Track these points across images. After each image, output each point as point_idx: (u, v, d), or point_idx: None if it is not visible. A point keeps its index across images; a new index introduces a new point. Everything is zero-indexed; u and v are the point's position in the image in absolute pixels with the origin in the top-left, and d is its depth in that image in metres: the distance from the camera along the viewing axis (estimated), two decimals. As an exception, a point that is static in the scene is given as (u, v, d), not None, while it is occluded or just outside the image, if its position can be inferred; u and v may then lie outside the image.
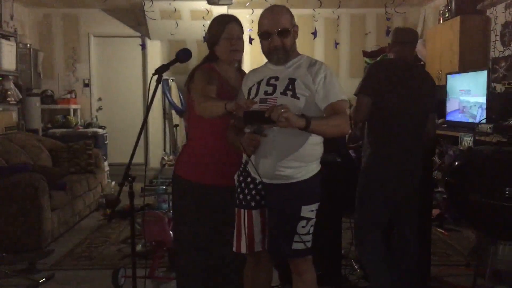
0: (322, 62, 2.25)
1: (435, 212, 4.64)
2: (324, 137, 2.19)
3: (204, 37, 6.00)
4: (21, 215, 3.96)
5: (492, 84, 5.10)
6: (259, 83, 2.22)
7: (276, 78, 2.18)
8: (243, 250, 2.26)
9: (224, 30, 2.38)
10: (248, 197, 2.25)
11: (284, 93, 2.13)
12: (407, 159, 2.80)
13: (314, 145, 2.19)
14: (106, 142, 7.23)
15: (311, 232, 2.20)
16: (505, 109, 4.45)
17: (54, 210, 4.30)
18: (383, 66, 2.95)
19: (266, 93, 2.17)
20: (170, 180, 5.93)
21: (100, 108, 7.90)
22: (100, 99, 7.93)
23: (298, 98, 2.11)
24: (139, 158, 7.73)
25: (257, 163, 2.14)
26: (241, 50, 2.43)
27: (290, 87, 2.13)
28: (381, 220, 2.88)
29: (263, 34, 2.18)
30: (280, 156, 2.11)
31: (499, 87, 5.02)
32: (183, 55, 2.33)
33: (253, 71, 2.36)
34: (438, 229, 4.61)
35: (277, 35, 2.14)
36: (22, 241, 3.97)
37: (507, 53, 5.09)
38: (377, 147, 2.83)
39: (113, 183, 6.34)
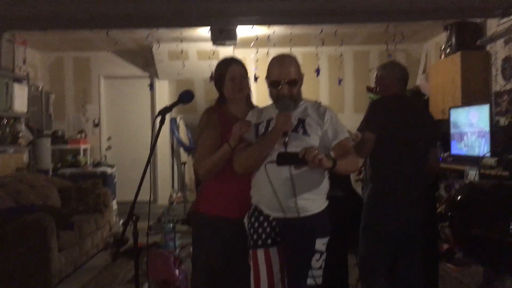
0: (324, 104, 2.41)
1: (445, 246, 4.60)
2: (339, 174, 2.25)
3: (210, 77, 6.14)
4: (29, 255, 3.98)
5: (495, 117, 5.14)
6: (268, 121, 2.31)
7: None
8: None
9: (227, 71, 2.50)
10: (263, 236, 2.28)
11: (295, 130, 2.23)
12: (409, 194, 2.83)
13: (326, 179, 2.30)
14: (114, 181, 7.30)
15: (323, 267, 2.24)
16: (509, 142, 4.47)
17: (62, 250, 4.32)
18: (387, 103, 3.00)
19: None
20: (178, 217, 5.95)
21: (109, 147, 8.03)
22: (109, 138, 8.08)
23: (309, 136, 2.23)
24: (146, 196, 7.76)
25: (272, 199, 2.18)
26: (245, 88, 2.53)
27: (300, 125, 2.25)
28: (386, 256, 2.88)
29: (273, 83, 2.30)
30: (298, 190, 2.17)
31: (503, 120, 5.05)
32: (186, 96, 2.41)
33: (260, 109, 2.46)
34: (448, 263, 4.55)
35: (286, 84, 2.26)
36: (29, 281, 3.98)
37: (508, 87, 5.15)
38: (379, 182, 2.87)
39: (121, 221, 6.37)
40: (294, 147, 2.11)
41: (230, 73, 2.49)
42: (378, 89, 3.18)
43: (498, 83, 5.35)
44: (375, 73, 3.21)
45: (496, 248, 2.58)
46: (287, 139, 2.11)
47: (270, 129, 2.26)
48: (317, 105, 2.38)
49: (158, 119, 2.38)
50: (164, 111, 2.41)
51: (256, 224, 2.31)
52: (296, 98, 2.31)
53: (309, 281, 2.19)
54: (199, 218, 2.56)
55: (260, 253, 2.28)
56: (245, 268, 2.37)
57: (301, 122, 2.27)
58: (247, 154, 2.27)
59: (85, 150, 7.78)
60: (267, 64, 2.37)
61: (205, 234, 2.51)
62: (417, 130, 2.87)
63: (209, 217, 2.48)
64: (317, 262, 2.22)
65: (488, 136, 4.67)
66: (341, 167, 2.13)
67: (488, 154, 4.50)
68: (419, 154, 2.88)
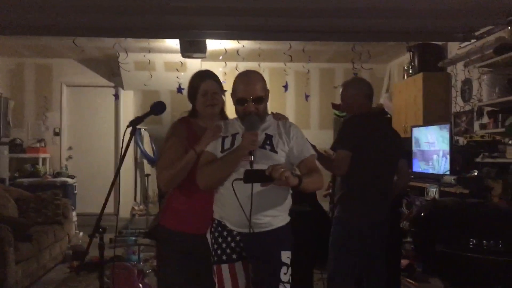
0: (288, 119, 2.43)
1: (405, 262, 4.69)
2: (304, 192, 2.27)
3: (177, 89, 6.11)
4: (-16, 267, 3.83)
5: (455, 137, 5.33)
6: (233, 136, 2.29)
7: None
8: None
9: (200, 86, 2.48)
10: (228, 251, 2.26)
11: (262, 147, 2.22)
12: (380, 210, 2.90)
13: (289, 195, 2.31)
14: (75, 191, 7.12)
15: (290, 281, 2.23)
16: (467, 161, 4.64)
17: (19, 263, 4.16)
18: (359, 121, 3.04)
19: None
20: (140, 230, 5.86)
21: (70, 157, 7.82)
22: (70, 148, 7.88)
23: (277, 152, 2.22)
24: (108, 208, 7.63)
25: (237, 214, 2.16)
26: (217, 104, 2.51)
27: (268, 142, 2.25)
28: (355, 271, 2.92)
29: (239, 100, 2.28)
30: (262, 206, 2.17)
31: (462, 140, 5.25)
32: (158, 107, 2.41)
33: (225, 123, 2.43)
34: (408, 279, 4.65)
35: (252, 102, 2.26)
36: (-17, 295, 3.82)
37: (467, 108, 5.36)
38: (351, 198, 2.91)
39: (81, 234, 6.20)
40: (261, 164, 2.10)
41: (203, 88, 2.47)
42: (344, 105, 3.23)
43: (458, 104, 5.56)
44: (341, 90, 3.23)
45: (457, 263, 2.66)
46: (252, 158, 2.11)
47: (235, 143, 2.24)
48: (283, 121, 2.38)
49: (129, 129, 2.37)
50: (135, 122, 2.40)
51: (220, 239, 2.29)
52: (262, 115, 2.31)
53: None
54: (162, 232, 2.53)
55: (225, 268, 2.26)
56: (209, 283, 2.34)
57: (268, 138, 2.27)
58: (211, 170, 2.25)
59: (44, 160, 7.56)
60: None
61: (167, 248, 2.49)
62: (387, 146, 2.95)
63: (172, 231, 2.45)
64: (285, 275, 2.21)
65: (448, 155, 4.83)
66: (306, 185, 2.13)
67: (448, 172, 4.65)
68: (390, 170, 2.96)
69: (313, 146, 2.55)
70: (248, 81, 2.30)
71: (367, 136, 2.92)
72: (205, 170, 2.26)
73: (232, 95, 2.33)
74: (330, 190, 3.47)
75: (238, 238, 2.26)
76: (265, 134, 2.27)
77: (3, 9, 4.06)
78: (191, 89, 2.53)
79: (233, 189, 2.14)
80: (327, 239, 3.61)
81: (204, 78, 2.52)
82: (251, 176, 2.07)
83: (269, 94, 2.39)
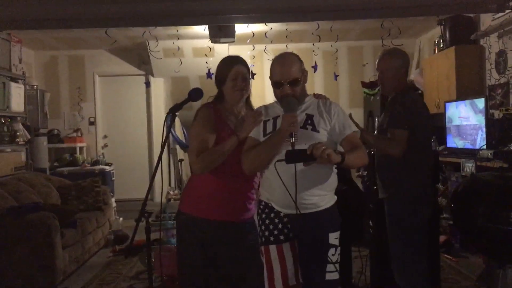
0: (329, 99, 2.44)
1: (442, 238, 4.69)
2: (349, 168, 2.30)
3: (207, 73, 6.16)
4: (34, 254, 4.01)
5: (490, 110, 5.23)
6: (275, 119, 2.34)
7: None
8: (278, 286, 2.29)
9: (230, 71, 2.47)
10: (276, 232, 2.31)
11: (304, 127, 2.26)
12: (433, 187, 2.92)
13: (334, 174, 2.34)
14: (113, 178, 7.31)
15: (339, 261, 2.28)
16: (504, 135, 4.56)
17: (66, 248, 4.35)
18: (414, 99, 2.93)
19: None
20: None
21: (105, 146, 8.03)
22: (105, 137, 8.08)
23: (318, 132, 2.26)
24: (144, 194, 7.81)
25: (283, 195, 2.20)
26: (245, 89, 2.51)
27: (309, 121, 2.28)
28: (424, 249, 2.89)
29: (275, 84, 2.34)
30: (307, 186, 2.20)
31: (497, 113, 5.15)
32: (195, 94, 2.45)
33: (266, 107, 2.48)
34: (446, 255, 4.64)
35: (288, 85, 2.29)
36: (35, 279, 4.01)
37: (502, 80, 5.24)
38: (419, 177, 2.85)
39: (121, 219, 6.39)
40: (304, 144, 2.13)
41: (233, 73, 2.46)
42: (383, 78, 2.96)
43: (492, 77, 5.44)
44: (379, 60, 2.99)
45: (498, 237, 2.66)
46: (294, 139, 2.13)
47: (277, 126, 2.27)
48: (323, 100, 2.40)
49: (169, 117, 2.43)
50: (175, 109, 2.44)
51: (267, 221, 2.34)
52: (300, 96, 2.34)
53: (333, 275, 2.23)
54: (181, 217, 2.54)
55: (273, 249, 2.31)
56: (225, 269, 2.41)
57: (309, 118, 2.30)
58: (255, 154, 2.29)
59: (81, 149, 7.78)
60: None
61: (185, 234, 2.50)
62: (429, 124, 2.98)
63: (190, 217, 2.47)
64: (333, 256, 2.25)
65: (483, 129, 4.76)
66: (349, 162, 2.15)
67: (484, 147, 4.58)
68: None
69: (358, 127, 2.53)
70: (283, 64, 2.33)
71: (422, 114, 2.88)
72: (249, 155, 2.31)
73: (270, 78, 2.37)
74: (360, 172, 3.49)
75: (285, 219, 2.31)
76: (306, 114, 2.31)
77: (34, 4, 4.18)
78: (221, 74, 2.52)
79: (276, 170, 2.19)
80: (362, 217, 3.66)
81: (234, 62, 2.50)
82: (293, 156, 2.10)
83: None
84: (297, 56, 2.40)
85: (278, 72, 2.32)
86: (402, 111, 2.78)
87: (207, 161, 2.37)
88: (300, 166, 2.13)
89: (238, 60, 2.54)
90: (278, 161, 2.20)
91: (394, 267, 2.91)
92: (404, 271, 2.85)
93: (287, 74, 2.30)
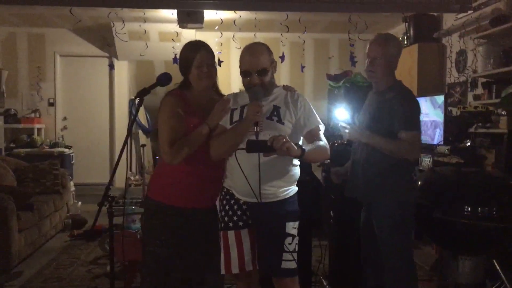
0: (297, 91, 2.46)
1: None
2: (309, 162, 2.33)
3: (173, 59, 6.08)
4: (-12, 236, 3.90)
5: (449, 108, 5.41)
6: (242, 107, 2.34)
7: None
8: (234, 270, 2.33)
9: (194, 58, 2.40)
10: (235, 218, 2.35)
11: (269, 118, 2.28)
12: None
13: (295, 167, 2.36)
14: (72, 162, 7.15)
15: (296, 250, 2.31)
16: (461, 132, 4.73)
17: (22, 231, 4.24)
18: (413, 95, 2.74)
19: None
20: (137, 200, 5.95)
21: (65, 128, 7.82)
22: (65, 119, 7.87)
23: (283, 124, 2.28)
24: (102, 178, 7.72)
25: (243, 184, 2.24)
26: (212, 76, 2.46)
27: (275, 113, 2.30)
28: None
29: (244, 73, 2.35)
30: (267, 176, 2.23)
31: (455, 111, 5.33)
32: (164, 78, 2.41)
33: (235, 94, 2.48)
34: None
35: (256, 74, 2.31)
36: (-12, 263, 3.90)
37: (461, 79, 5.43)
38: (411, 177, 2.67)
39: (79, 203, 6.26)
40: (268, 134, 2.16)
41: (198, 60, 2.39)
42: (379, 66, 2.61)
43: (452, 75, 5.62)
44: (373, 44, 2.63)
45: (453, 229, 2.77)
46: (258, 128, 2.16)
47: (244, 115, 2.29)
48: (291, 92, 2.42)
49: (137, 101, 2.40)
50: (143, 93, 2.39)
51: (227, 207, 2.37)
52: (268, 87, 2.36)
53: (289, 264, 2.27)
54: (149, 203, 2.51)
55: (231, 235, 2.34)
56: (193, 257, 2.41)
57: (276, 109, 2.32)
58: (220, 141, 2.32)
59: (39, 130, 7.56)
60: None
61: (153, 220, 2.47)
62: None
63: (159, 204, 2.44)
64: (290, 245, 2.29)
65: (441, 125, 4.91)
66: (309, 156, 2.22)
67: (442, 143, 4.74)
68: None
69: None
70: (252, 54, 2.34)
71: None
72: (215, 142, 2.33)
73: (239, 67, 2.37)
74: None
75: (244, 207, 2.34)
76: (273, 105, 2.33)
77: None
78: (184, 61, 2.44)
79: (236, 159, 2.22)
80: (320, 207, 3.72)
81: (198, 49, 2.42)
82: (254, 146, 2.14)
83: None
84: (267, 46, 2.41)
85: (247, 61, 2.33)
86: (415, 111, 2.59)
87: (180, 151, 2.32)
88: (260, 157, 2.17)
89: (201, 45, 2.45)
90: (238, 149, 2.22)
91: (390, 269, 2.62)
92: (400, 272, 2.63)
93: (256, 63, 2.31)
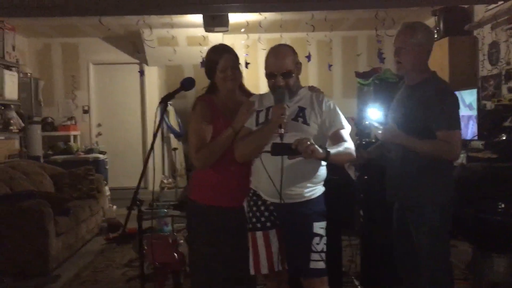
0: (323, 93, 2.46)
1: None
2: (335, 163, 2.32)
3: (201, 63, 6.16)
4: (27, 241, 4.04)
5: (482, 101, 5.26)
6: (268, 109, 2.37)
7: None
8: (264, 271, 2.35)
9: (219, 61, 2.47)
10: (263, 219, 2.36)
11: (295, 119, 2.30)
12: None
13: (322, 167, 2.36)
14: (106, 167, 7.32)
15: (324, 250, 2.32)
16: (496, 126, 4.59)
17: (59, 236, 4.37)
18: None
19: None
20: (171, 203, 6.06)
21: (99, 134, 8.03)
22: (99, 125, 8.07)
23: (309, 125, 2.30)
24: (137, 183, 7.83)
25: (269, 185, 2.25)
26: (236, 79, 2.51)
27: (300, 114, 2.32)
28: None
29: (269, 75, 2.36)
30: (292, 178, 2.25)
31: (489, 105, 5.18)
32: (187, 83, 2.46)
33: (261, 96, 2.50)
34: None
35: (281, 76, 2.32)
36: (28, 266, 4.05)
37: (495, 71, 5.27)
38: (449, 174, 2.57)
39: (114, 207, 6.42)
40: (293, 136, 2.17)
41: (222, 64, 2.46)
42: (409, 57, 2.44)
43: (485, 68, 5.47)
44: (402, 34, 2.47)
45: (486, 227, 2.70)
46: (282, 131, 2.17)
47: (269, 117, 2.30)
48: (317, 94, 2.42)
49: (161, 106, 2.45)
50: (167, 98, 2.46)
51: (254, 208, 2.39)
52: (293, 88, 2.36)
53: (317, 264, 2.27)
54: (190, 204, 2.60)
55: (259, 236, 2.36)
56: (240, 255, 2.44)
57: (301, 110, 2.33)
58: (245, 143, 2.34)
59: (75, 137, 7.78)
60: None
61: (196, 220, 2.57)
62: None
63: (200, 204, 2.52)
64: (317, 245, 2.29)
65: (475, 119, 4.79)
66: (335, 158, 2.19)
67: (476, 137, 4.62)
68: None
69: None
70: (277, 56, 2.35)
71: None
72: (240, 144, 2.36)
73: (265, 69, 2.39)
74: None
75: (271, 207, 2.36)
76: (298, 106, 2.34)
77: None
78: (209, 65, 2.52)
79: (261, 161, 2.25)
80: (352, 206, 3.68)
81: (221, 53, 2.49)
82: (278, 149, 2.15)
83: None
84: (291, 48, 2.42)
85: (272, 64, 2.35)
86: (454, 107, 2.43)
87: (206, 157, 2.44)
88: (287, 159, 2.18)
89: (224, 49, 2.53)
90: (264, 151, 2.24)
91: (427, 271, 2.49)
92: (437, 274, 2.49)
93: (281, 66, 2.32)
